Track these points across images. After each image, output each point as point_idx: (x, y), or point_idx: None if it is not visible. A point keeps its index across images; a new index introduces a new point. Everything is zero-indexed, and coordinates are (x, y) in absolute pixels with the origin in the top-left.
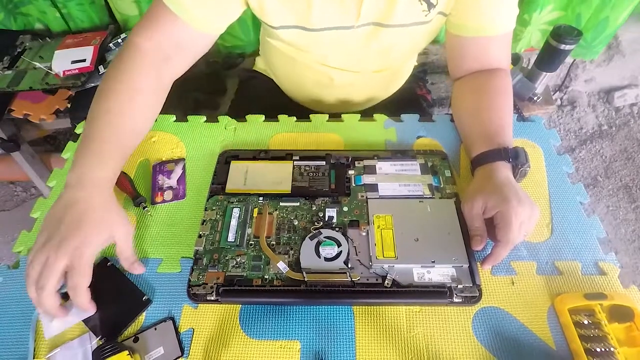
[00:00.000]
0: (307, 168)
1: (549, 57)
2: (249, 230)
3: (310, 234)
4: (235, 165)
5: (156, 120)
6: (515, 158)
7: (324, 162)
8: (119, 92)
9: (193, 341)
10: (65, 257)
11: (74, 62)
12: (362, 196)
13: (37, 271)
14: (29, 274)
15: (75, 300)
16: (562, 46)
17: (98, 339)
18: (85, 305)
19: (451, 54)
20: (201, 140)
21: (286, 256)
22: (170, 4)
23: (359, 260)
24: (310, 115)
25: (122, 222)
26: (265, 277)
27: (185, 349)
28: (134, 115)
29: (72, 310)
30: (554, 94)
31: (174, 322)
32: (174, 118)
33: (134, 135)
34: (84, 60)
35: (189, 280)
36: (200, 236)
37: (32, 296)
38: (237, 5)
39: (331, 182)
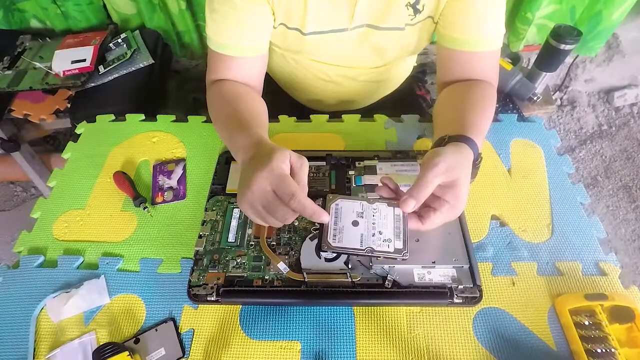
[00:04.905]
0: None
1: (549, 57)
2: (249, 231)
3: (311, 235)
4: (235, 166)
5: (156, 121)
6: (477, 160)
7: (324, 163)
8: (236, 109)
9: (193, 342)
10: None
11: (74, 62)
12: (363, 197)
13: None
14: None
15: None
16: (562, 46)
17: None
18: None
19: (439, 63)
20: (201, 140)
21: (286, 257)
22: (220, 49)
23: (359, 260)
24: (311, 116)
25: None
26: (266, 277)
27: (186, 349)
28: (255, 107)
29: (84, 296)
30: (554, 94)
31: (175, 323)
32: (174, 118)
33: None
34: (84, 60)
35: (190, 281)
36: (200, 237)
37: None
38: (269, 17)
39: (331, 182)
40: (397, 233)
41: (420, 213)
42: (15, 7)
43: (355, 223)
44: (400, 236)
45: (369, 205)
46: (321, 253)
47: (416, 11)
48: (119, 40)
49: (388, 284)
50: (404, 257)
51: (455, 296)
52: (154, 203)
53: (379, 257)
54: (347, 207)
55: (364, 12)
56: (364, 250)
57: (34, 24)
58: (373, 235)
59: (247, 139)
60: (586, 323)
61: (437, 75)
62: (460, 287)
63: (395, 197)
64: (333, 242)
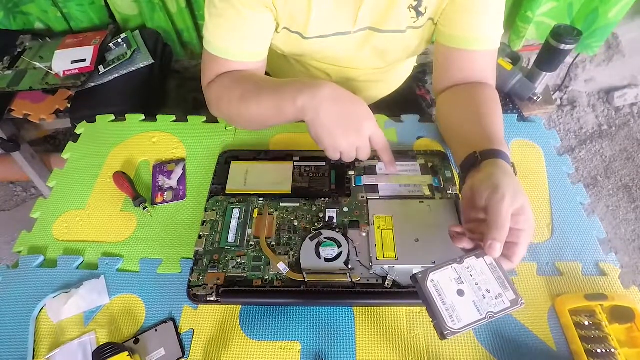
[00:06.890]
0: (307, 168)
1: (549, 57)
2: (249, 231)
3: (311, 235)
4: (235, 166)
5: (156, 121)
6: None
7: (324, 163)
8: (247, 81)
9: (193, 342)
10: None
11: (74, 62)
12: (363, 197)
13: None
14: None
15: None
16: (562, 46)
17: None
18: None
19: (437, 63)
20: (201, 140)
21: (286, 257)
22: (220, 53)
23: (359, 261)
24: None
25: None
26: (266, 277)
27: (186, 349)
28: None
29: (83, 297)
30: (554, 94)
31: (175, 323)
32: (174, 118)
33: None
34: (84, 60)
35: (189, 281)
36: (200, 237)
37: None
38: (271, 23)
39: (331, 182)
40: (501, 283)
41: (503, 251)
42: (18, 10)
43: (460, 292)
44: (506, 285)
45: (460, 266)
46: (320, 252)
47: (419, 14)
48: (119, 40)
49: (388, 284)
50: (521, 305)
51: None
52: (153, 203)
53: (501, 316)
54: (442, 278)
55: (367, 15)
56: (485, 318)
57: (38, 26)
58: (483, 297)
59: (297, 82)
60: (586, 323)
61: (434, 77)
62: None
63: (475, 244)
64: (453, 323)
